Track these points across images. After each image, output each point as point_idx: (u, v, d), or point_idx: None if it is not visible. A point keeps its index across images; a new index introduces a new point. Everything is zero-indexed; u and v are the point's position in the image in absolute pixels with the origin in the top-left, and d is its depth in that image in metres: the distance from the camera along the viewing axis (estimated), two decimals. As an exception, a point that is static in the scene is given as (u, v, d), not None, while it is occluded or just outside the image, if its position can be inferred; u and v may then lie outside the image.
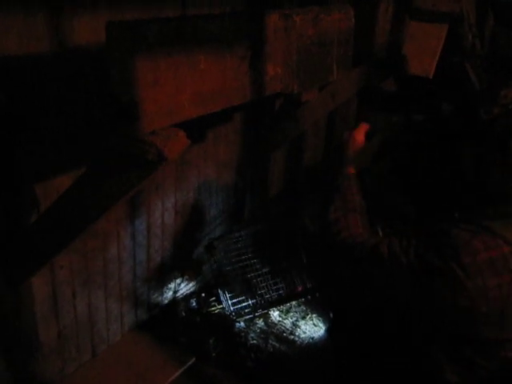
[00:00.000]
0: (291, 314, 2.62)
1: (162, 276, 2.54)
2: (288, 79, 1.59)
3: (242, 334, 2.42)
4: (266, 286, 2.63)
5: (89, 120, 1.39)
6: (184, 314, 2.56)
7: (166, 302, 2.63)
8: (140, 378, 2.18)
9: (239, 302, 2.54)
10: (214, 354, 2.32)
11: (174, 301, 2.65)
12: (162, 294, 2.59)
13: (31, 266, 1.67)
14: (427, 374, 1.57)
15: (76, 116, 1.46)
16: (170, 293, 2.64)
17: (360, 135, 1.67)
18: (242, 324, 2.49)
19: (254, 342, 2.38)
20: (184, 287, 2.70)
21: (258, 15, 1.47)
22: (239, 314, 2.50)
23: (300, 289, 2.64)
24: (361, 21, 2.00)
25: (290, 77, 1.59)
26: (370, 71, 2.60)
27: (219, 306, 2.61)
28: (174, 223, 2.45)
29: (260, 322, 2.52)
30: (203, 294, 2.69)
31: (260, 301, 2.54)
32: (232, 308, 2.51)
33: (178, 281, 2.65)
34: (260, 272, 2.67)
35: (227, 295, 2.52)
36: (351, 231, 1.51)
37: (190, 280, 2.73)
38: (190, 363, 2.26)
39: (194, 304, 2.64)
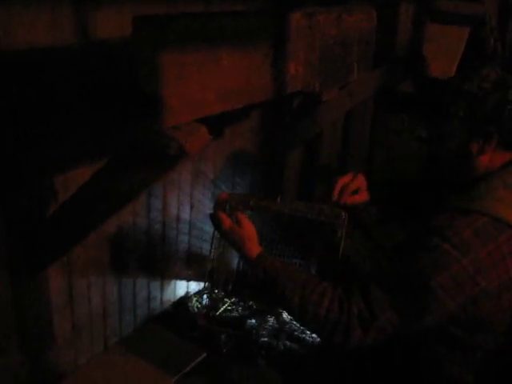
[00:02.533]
0: (303, 312, 2.62)
1: (175, 270, 2.55)
2: (309, 78, 1.59)
3: (254, 331, 2.43)
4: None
5: (112, 113, 1.40)
6: (196, 309, 2.57)
7: (179, 296, 2.64)
8: (151, 370, 2.19)
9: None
10: (225, 350, 2.32)
11: (187, 296, 2.66)
12: (175, 289, 2.60)
13: (50, 256, 1.69)
14: (426, 371, 1.59)
15: (100, 109, 1.47)
16: (183, 288, 2.65)
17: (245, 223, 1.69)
18: (254, 321, 2.49)
19: (265, 339, 2.39)
20: (197, 283, 2.71)
21: (282, 13, 1.47)
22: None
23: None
24: (382, 21, 1.99)
25: (311, 75, 1.59)
26: (388, 72, 2.59)
27: (230, 302, 2.62)
28: (188, 217, 2.46)
29: (271, 320, 2.52)
30: (216, 291, 2.70)
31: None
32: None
33: (192, 276, 2.65)
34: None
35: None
36: (317, 305, 1.48)
37: (202, 276, 2.73)
38: (201, 358, 2.27)
39: (207, 300, 2.64)
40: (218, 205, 1.77)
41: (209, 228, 2.62)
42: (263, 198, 1.85)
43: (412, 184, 1.94)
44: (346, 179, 1.89)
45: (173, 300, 2.61)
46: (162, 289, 2.50)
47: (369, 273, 1.62)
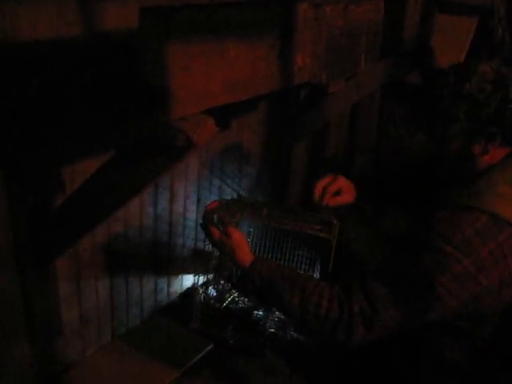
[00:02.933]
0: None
1: (182, 263, 2.56)
2: (316, 69, 1.58)
3: (261, 322, 2.43)
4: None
5: (118, 106, 1.39)
6: (203, 301, 2.57)
7: (186, 288, 2.65)
8: (158, 361, 2.20)
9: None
10: (231, 342, 2.33)
11: (193, 288, 2.66)
12: (181, 281, 2.61)
13: (57, 248, 1.70)
14: (428, 357, 1.61)
15: (105, 102, 1.47)
16: (190, 280, 2.65)
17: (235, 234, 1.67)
18: (261, 313, 2.50)
19: (272, 330, 2.39)
20: (203, 275, 2.71)
21: (288, 4, 1.46)
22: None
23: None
24: (390, 12, 1.98)
25: (318, 67, 1.59)
26: (396, 63, 2.58)
27: (236, 294, 2.62)
28: (196, 210, 2.47)
29: (278, 312, 2.52)
30: (222, 282, 2.70)
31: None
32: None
33: (198, 269, 2.66)
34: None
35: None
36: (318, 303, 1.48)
37: (208, 269, 2.73)
38: (207, 349, 2.28)
39: (213, 292, 2.64)
40: (207, 215, 1.76)
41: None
42: (251, 207, 1.84)
43: (415, 179, 1.93)
44: (325, 181, 1.88)
45: (179, 291, 2.62)
46: (168, 281, 2.52)
47: (370, 269, 1.61)
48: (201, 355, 2.26)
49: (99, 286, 2.09)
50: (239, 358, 2.24)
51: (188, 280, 2.65)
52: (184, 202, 2.37)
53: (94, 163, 1.67)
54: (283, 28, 1.42)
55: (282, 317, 2.47)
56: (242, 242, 1.67)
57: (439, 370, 1.60)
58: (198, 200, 2.46)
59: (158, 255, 2.35)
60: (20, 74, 1.38)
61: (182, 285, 2.62)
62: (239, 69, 1.30)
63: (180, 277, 2.59)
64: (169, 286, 2.53)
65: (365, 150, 3.72)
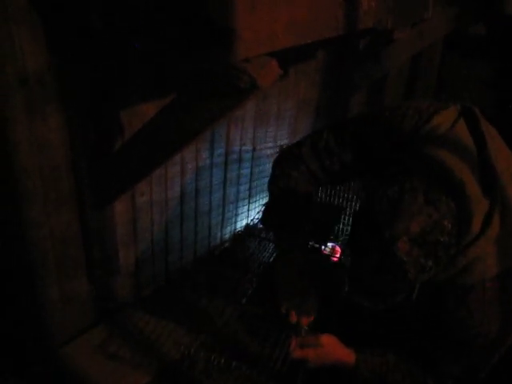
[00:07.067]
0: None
1: (236, 209, 2.57)
2: (382, 14, 1.53)
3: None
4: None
5: (179, 45, 1.37)
6: (257, 243, 2.57)
7: (239, 233, 2.69)
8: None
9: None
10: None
11: (245, 234, 2.68)
12: (235, 226, 2.65)
13: (116, 190, 1.73)
14: None
15: (166, 41, 1.45)
16: (244, 224, 2.70)
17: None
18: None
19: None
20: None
21: None
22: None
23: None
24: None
25: (384, 11, 1.53)
26: (462, 11, 2.46)
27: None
28: (251, 158, 2.46)
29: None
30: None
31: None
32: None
33: (252, 213, 2.67)
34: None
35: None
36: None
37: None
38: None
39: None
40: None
41: (268, 167, 2.62)
42: None
43: None
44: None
45: (231, 238, 2.65)
46: (222, 226, 2.54)
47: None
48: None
49: (154, 230, 2.13)
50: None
51: (242, 224, 2.68)
52: (239, 149, 2.37)
53: (151, 107, 1.68)
54: (350, -32, 1.37)
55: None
56: (334, 341, 1.49)
57: None
58: (254, 149, 2.44)
59: (212, 201, 2.37)
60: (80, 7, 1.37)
61: (235, 230, 2.65)
62: (304, 11, 1.27)
63: (234, 222, 2.62)
64: (222, 231, 2.56)
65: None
